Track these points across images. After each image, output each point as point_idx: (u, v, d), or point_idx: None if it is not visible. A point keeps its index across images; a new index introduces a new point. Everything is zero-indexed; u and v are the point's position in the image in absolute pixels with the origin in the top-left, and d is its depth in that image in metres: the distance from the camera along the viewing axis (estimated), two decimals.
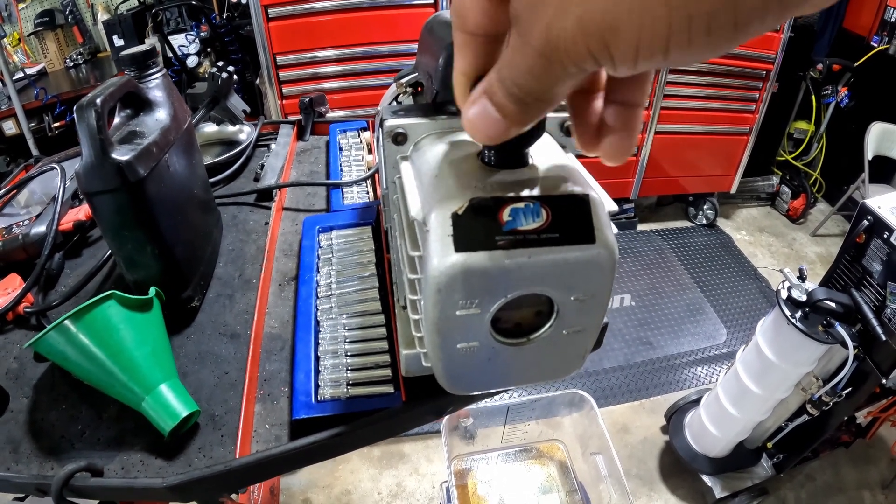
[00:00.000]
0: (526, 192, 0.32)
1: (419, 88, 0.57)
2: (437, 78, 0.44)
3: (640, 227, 3.17)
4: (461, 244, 0.31)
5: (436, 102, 0.44)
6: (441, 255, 0.31)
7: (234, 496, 0.90)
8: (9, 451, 0.54)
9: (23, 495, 0.57)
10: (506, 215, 0.31)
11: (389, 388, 0.58)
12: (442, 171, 0.35)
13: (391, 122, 0.41)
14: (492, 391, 0.54)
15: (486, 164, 0.34)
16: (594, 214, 0.32)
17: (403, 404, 0.56)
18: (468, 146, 0.37)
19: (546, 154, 0.36)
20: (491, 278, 0.32)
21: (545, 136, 0.37)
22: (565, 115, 0.43)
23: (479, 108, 0.25)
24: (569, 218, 0.32)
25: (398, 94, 0.57)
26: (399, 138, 0.42)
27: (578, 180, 0.34)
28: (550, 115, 0.32)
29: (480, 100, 0.25)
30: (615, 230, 0.34)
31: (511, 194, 0.32)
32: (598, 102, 0.28)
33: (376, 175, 0.91)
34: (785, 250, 3.08)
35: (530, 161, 0.35)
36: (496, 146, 0.33)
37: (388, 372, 0.60)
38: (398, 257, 0.48)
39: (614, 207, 0.35)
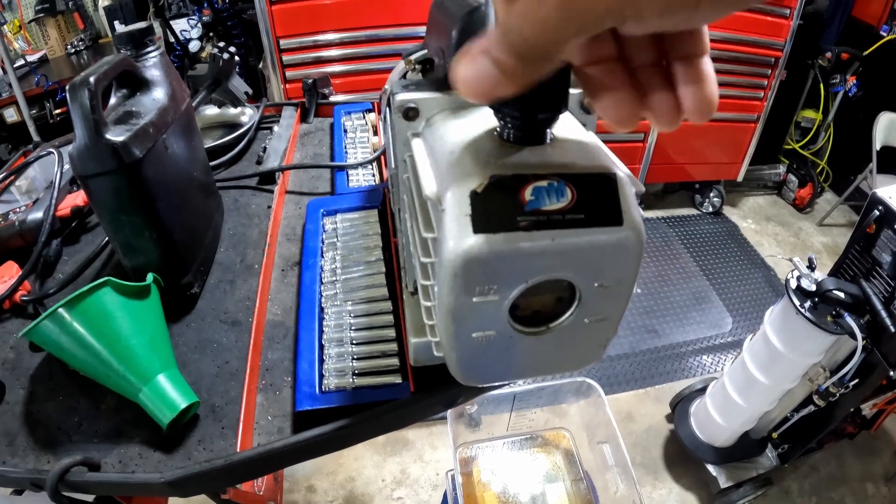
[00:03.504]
0: (549, 170, 0.29)
1: (428, 66, 0.55)
2: (449, 52, 0.41)
3: (646, 214, 3.14)
4: (480, 225, 0.28)
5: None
6: (458, 237, 0.28)
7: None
8: (5, 445, 0.52)
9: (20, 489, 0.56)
10: (528, 194, 0.29)
11: (397, 378, 0.56)
12: (458, 148, 0.32)
13: (402, 97, 0.39)
14: (506, 382, 0.52)
15: (506, 140, 0.32)
16: (622, 194, 0.30)
17: (412, 395, 0.54)
18: (485, 122, 0.34)
19: (568, 131, 0.34)
20: (511, 262, 0.29)
21: (566, 113, 0.35)
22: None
23: (473, 63, 0.23)
24: (595, 198, 0.30)
25: (407, 72, 0.55)
26: (410, 113, 0.39)
27: (604, 158, 0.32)
28: (572, 91, 0.30)
29: (475, 54, 0.23)
30: (641, 212, 0.32)
31: (534, 172, 0.29)
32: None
33: (382, 157, 0.89)
34: (791, 239, 3.05)
35: (551, 138, 0.32)
36: (518, 121, 0.31)
37: (395, 361, 0.58)
38: (408, 240, 0.46)
39: (641, 188, 0.32)
